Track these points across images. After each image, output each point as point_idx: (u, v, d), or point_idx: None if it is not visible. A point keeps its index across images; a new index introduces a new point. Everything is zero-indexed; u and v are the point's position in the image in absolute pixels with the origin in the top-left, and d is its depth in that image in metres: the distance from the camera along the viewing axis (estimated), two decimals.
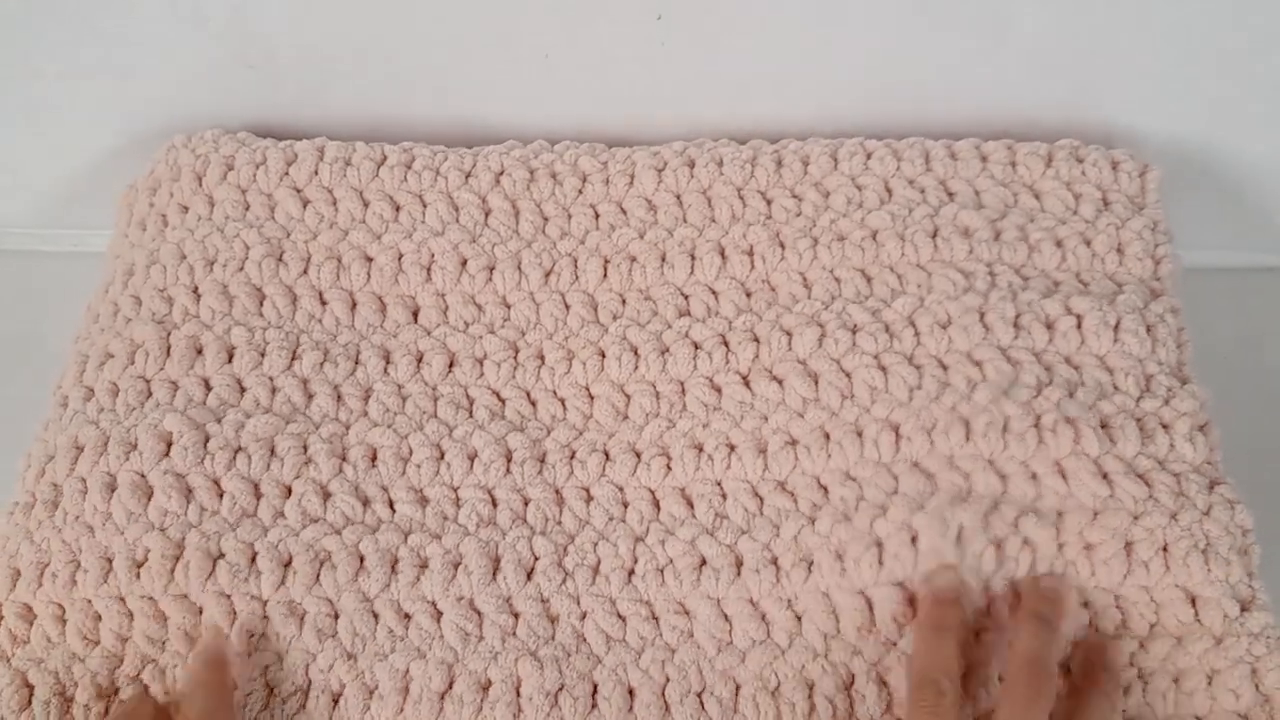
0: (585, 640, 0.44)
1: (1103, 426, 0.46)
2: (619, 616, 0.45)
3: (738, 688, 0.43)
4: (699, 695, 0.43)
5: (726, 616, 0.45)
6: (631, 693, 0.43)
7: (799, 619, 0.44)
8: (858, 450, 0.47)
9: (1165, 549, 0.43)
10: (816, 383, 0.49)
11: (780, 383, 0.49)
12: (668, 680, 0.43)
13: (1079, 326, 0.49)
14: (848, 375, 0.49)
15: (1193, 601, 0.43)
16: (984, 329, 0.49)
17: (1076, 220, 0.53)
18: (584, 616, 0.45)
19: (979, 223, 0.52)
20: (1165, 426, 0.46)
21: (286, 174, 0.54)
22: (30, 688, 0.43)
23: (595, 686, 0.43)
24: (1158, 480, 0.45)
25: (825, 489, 0.47)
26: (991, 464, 0.46)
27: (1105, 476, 0.45)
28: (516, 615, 0.44)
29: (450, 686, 0.43)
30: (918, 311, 0.49)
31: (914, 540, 0.44)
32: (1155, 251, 0.52)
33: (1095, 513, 0.44)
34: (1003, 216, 0.53)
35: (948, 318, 0.49)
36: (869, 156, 0.55)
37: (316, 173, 0.55)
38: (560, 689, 0.43)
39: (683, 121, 0.58)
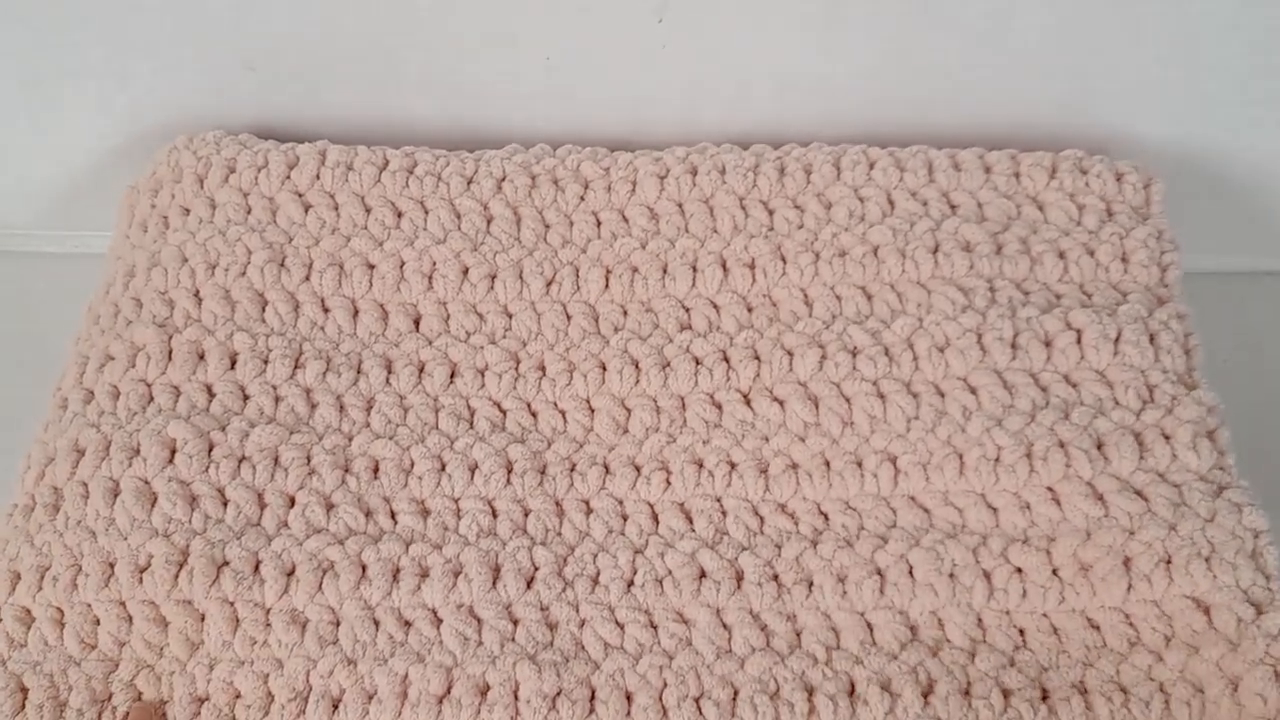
0: (583, 646, 0.44)
1: (1099, 446, 0.46)
2: (617, 624, 0.45)
3: (736, 692, 0.43)
4: (696, 700, 0.43)
5: (725, 625, 0.45)
6: (629, 697, 0.43)
7: (798, 634, 0.45)
8: (858, 483, 0.48)
9: (1168, 561, 0.43)
10: (817, 407, 0.49)
11: (781, 404, 0.49)
12: (665, 685, 0.43)
13: (1079, 342, 0.49)
14: (848, 401, 0.49)
15: (1206, 611, 0.43)
16: (981, 351, 0.49)
17: (1080, 231, 0.53)
18: (583, 624, 0.45)
19: (980, 236, 0.52)
20: (1167, 437, 0.46)
21: (288, 178, 0.55)
22: (25, 691, 0.43)
23: (593, 691, 0.43)
24: (1155, 493, 0.45)
25: (826, 516, 0.47)
26: (983, 498, 0.47)
27: (1100, 497, 0.45)
28: (516, 622, 0.45)
29: (449, 690, 0.43)
30: (916, 333, 0.50)
31: (911, 573, 0.45)
32: (1161, 259, 0.52)
33: (1089, 533, 0.45)
34: (1005, 229, 0.53)
35: (945, 340, 0.49)
36: (872, 166, 0.55)
37: (318, 177, 0.55)
38: (558, 693, 0.43)
39: (684, 124, 0.58)
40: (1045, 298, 0.51)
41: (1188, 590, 0.43)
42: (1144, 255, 0.52)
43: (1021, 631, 0.44)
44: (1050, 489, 0.46)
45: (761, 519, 0.47)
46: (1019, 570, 0.45)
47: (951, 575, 0.45)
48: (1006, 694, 0.43)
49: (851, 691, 0.43)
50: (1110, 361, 0.49)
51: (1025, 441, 0.47)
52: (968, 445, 0.47)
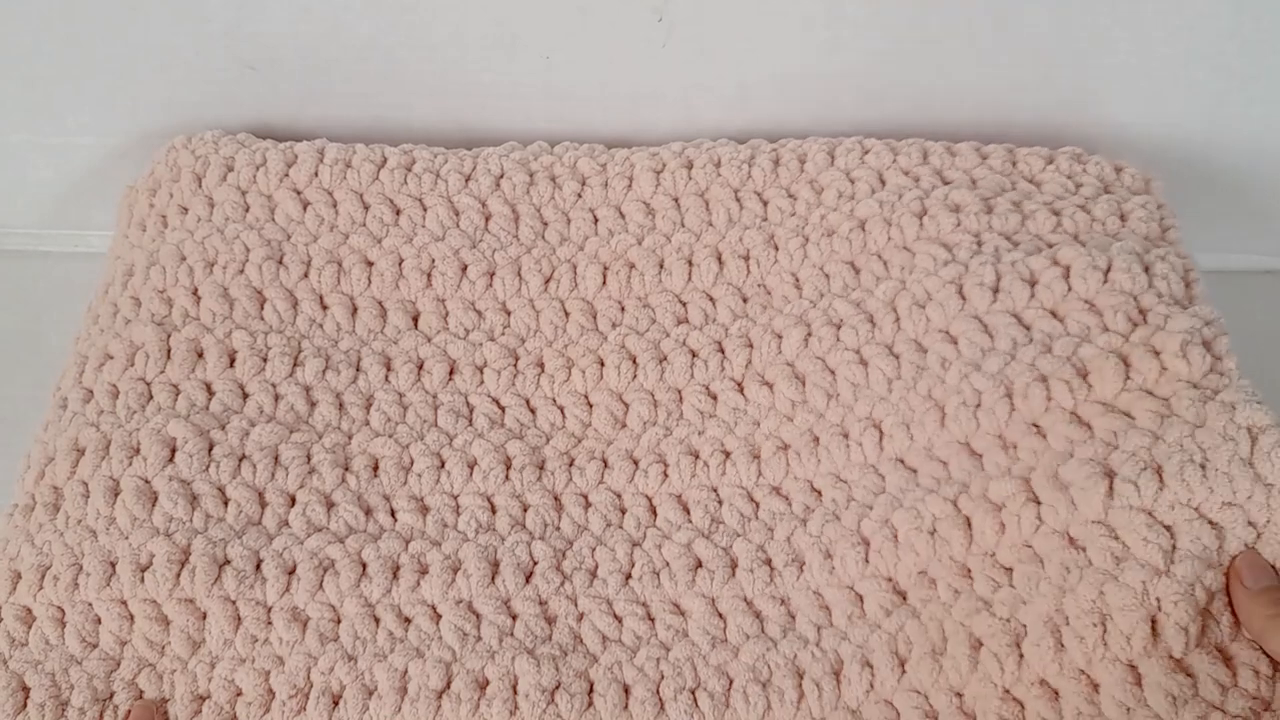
0: (581, 639, 0.45)
1: (1084, 374, 0.44)
2: (615, 617, 0.45)
3: (730, 682, 0.43)
4: (692, 691, 0.43)
5: (720, 614, 0.45)
6: (627, 690, 0.43)
7: (792, 616, 0.45)
8: (844, 453, 0.47)
9: (1158, 469, 0.40)
10: (803, 384, 0.49)
11: (770, 387, 0.50)
12: (662, 677, 0.43)
13: (1066, 276, 0.46)
14: (832, 373, 0.49)
15: (1210, 523, 0.39)
16: (961, 300, 0.47)
17: (1076, 197, 0.51)
18: (581, 617, 0.45)
19: (970, 198, 0.51)
20: (1157, 352, 0.43)
21: (286, 175, 0.55)
22: (27, 691, 0.43)
23: (591, 684, 0.43)
24: (1141, 408, 0.42)
25: (818, 492, 0.47)
26: (967, 445, 0.45)
27: (1086, 423, 0.43)
28: (514, 616, 0.45)
29: (448, 685, 0.43)
30: (899, 295, 0.49)
31: (895, 537, 0.44)
32: (1162, 221, 0.51)
33: (1070, 454, 0.42)
34: (997, 195, 0.51)
35: (926, 295, 0.48)
36: (865, 153, 0.54)
37: (316, 174, 0.55)
38: (557, 686, 0.43)
39: (683, 123, 0.58)
40: (1034, 245, 0.49)
41: (1184, 499, 0.39)
42: (1143, 214, 0.50)
43: (1009, 570, 0.42)
44: (1034, 424, 0.44)
45: (756, 504, 0.48)
46: (999, 507, 0.42)
47: (933, 532, 0.43)
48: (975, 648, 0.41)
49: (839, 671, 0.43)
50: (1099, 289, 0.45)
51: (1004, 381, 0.44)
52: (947, 394, 0.46)
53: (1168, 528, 0.39)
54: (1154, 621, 0.38)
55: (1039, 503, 0.42)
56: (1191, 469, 0.39)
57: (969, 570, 0.43)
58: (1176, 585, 0.38)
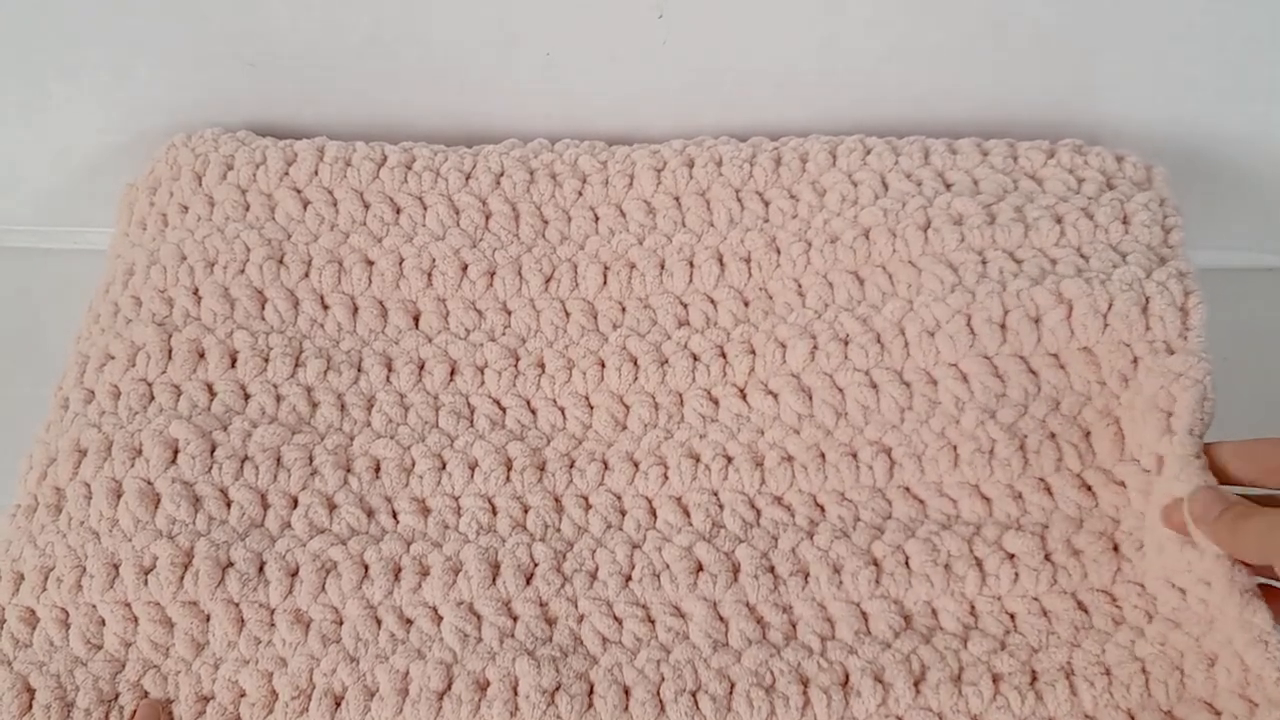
0: (582, 641, 0.45)
1: (1087, 434, 0.47)
2: (615, 618, 0.45)
3: (732, 685, 0.43)
4: (693, 693, 0.43)
5: (722, 618, 0.45)
6: (627, 692, 0.43)
7: (794, 625, 0.45)
8: (853, 474, 0.48)
9: (1143, 547, 0.45)
10: (810, 398, 0.49)
11: (775, 397, 0.50)
12: (663, 679, 0.44)
13: (1069, 317, 0.48)
14: (840, 391, 0.49)
15: (1182, 592, 0.43)
16: (970, 334, 0.48)
17: (1078, 198, 0.52)
18: (581, 619, 0.45)
19: (973, 208, 0.51)
20: (1144, 414, 0.45)
21: (286, 174, 0.54)
22: (31, 692, 0.43)
23: (591, 686, 0.44)
24: (1134, 484, 0.46)
25: (822, 508, 0.48)
26: (977, 488, 0.47)
27: (1089, 488, 0.46)
28: (515, 617, 0.45)
29: (449, 686, 0.43)
30: (906, 317, 0.49)
31: (907, 563, 0.45)
32: (1164, 221, 0.51)
33: (1081, 521, 0.46)
34: (999, 200, 0.52)
35: (935, 323, 0.49)
36: (868, 153, 0.54)
37: (316, 173, 0.54)
38: (557, 688, 0.43)
39: (683, 121, 0.58)
40: (1039, 265, 0.50)
41: (1160, 573, 0.44)
42: (1146, 216, 0.50)
43: (1012, 616, 0.45)
44: (1042, 479, 0.47)
45: (758, 511, 0.48)
46: (1011, 556, 0.45)
47: (946, 566, 0.45)
48: (996, 679, 0.43)
49: (845, 682, 0.43)
50: (1099, 338, 0.47)
51: (1018, 435, 0.47)
52: (962, 438, 0.47)
53: (1152, 596, 0.44)
54: (1145, 674, 0.42)
55: (1054, 564, 0.45)
56: (1171, 543, 0.43)
57: (974, 608, 0.45)
58: (1150, 645, 0.43)
